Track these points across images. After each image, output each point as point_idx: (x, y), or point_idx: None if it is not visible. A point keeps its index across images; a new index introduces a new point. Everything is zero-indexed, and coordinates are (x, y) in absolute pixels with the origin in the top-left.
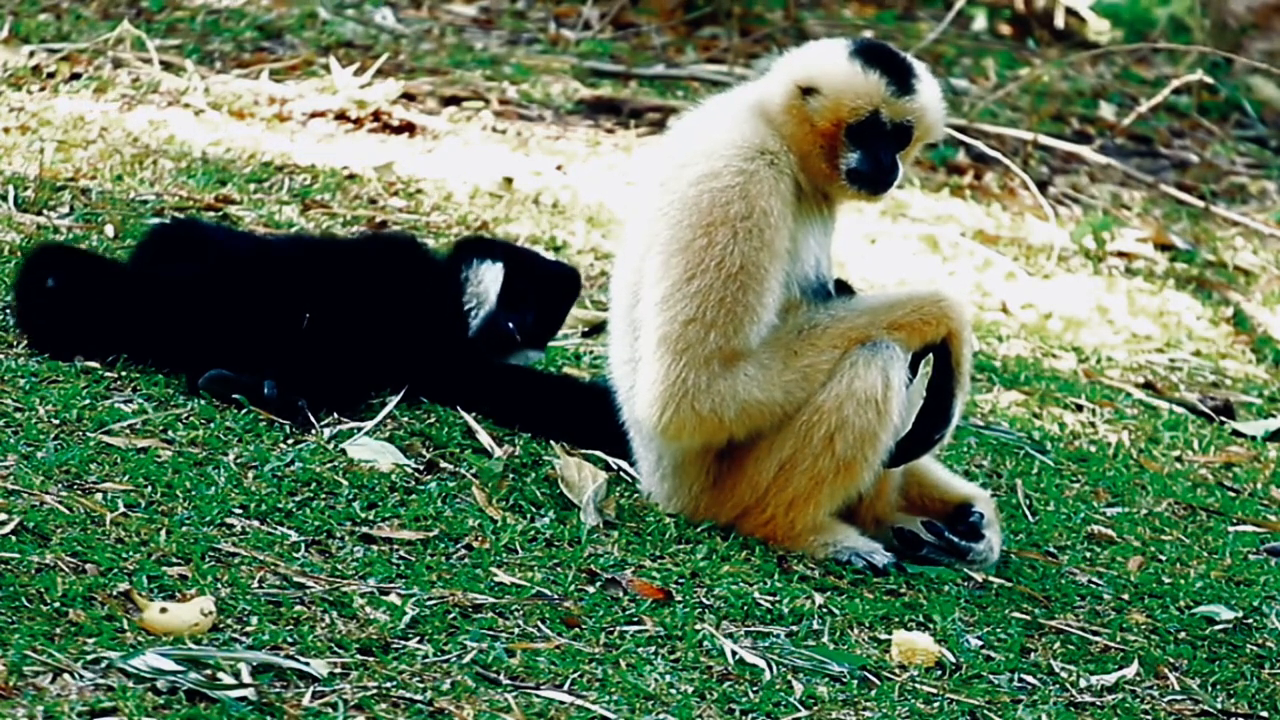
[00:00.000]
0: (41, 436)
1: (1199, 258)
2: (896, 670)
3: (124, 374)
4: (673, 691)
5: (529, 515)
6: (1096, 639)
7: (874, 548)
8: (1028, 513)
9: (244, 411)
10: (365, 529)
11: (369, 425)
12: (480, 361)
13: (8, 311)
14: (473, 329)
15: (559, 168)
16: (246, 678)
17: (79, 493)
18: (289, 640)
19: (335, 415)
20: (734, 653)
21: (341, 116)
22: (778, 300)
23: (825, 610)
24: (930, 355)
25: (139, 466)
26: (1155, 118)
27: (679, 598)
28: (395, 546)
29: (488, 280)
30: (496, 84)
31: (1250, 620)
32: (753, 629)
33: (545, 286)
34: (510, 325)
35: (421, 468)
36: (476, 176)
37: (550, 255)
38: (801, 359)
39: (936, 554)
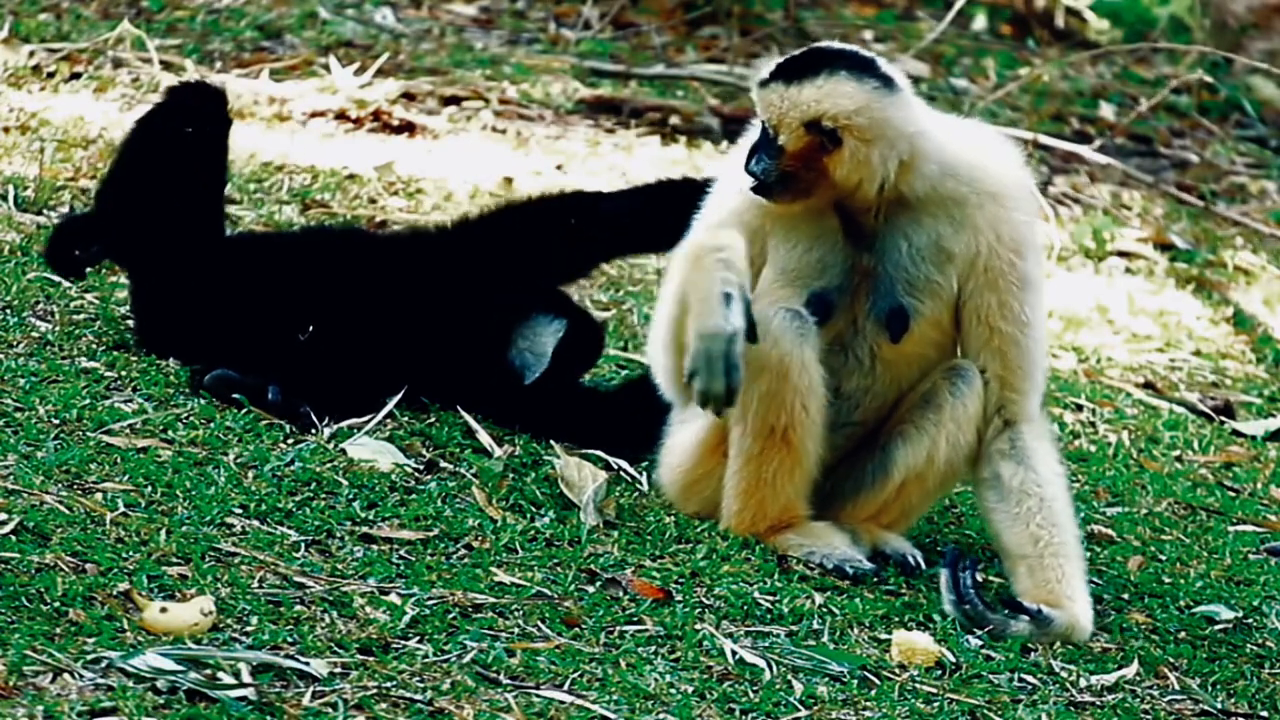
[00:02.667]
0: (41, 436)
1: (1199, 258)
2: (896, 670)
3: (124, 374)
4: (673, 691)
5: (529, 515)
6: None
7: (850, 556)
8: None
9: (244, 411)
10: (365, 529)
11: (369, 425)
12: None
13: (8, 311)
14: (528, 379)
15: (559, 167)
16: (246, 678)
17: (79, 493)
18: (289, 640)
19: (334, 413)
20: (734, 653)
21: (341, 116)
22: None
23: (825, 610)
24: None
25: (139, 466)
26: (1155, 118)
27: (679, 598)
28: (395, 546)
29: (547, 338)
30: (496, 84)
31: (1250, 620)
32: (753, 629)
33: (590, 344)
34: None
35: (421, 468)
36: (476, 176)
37: None
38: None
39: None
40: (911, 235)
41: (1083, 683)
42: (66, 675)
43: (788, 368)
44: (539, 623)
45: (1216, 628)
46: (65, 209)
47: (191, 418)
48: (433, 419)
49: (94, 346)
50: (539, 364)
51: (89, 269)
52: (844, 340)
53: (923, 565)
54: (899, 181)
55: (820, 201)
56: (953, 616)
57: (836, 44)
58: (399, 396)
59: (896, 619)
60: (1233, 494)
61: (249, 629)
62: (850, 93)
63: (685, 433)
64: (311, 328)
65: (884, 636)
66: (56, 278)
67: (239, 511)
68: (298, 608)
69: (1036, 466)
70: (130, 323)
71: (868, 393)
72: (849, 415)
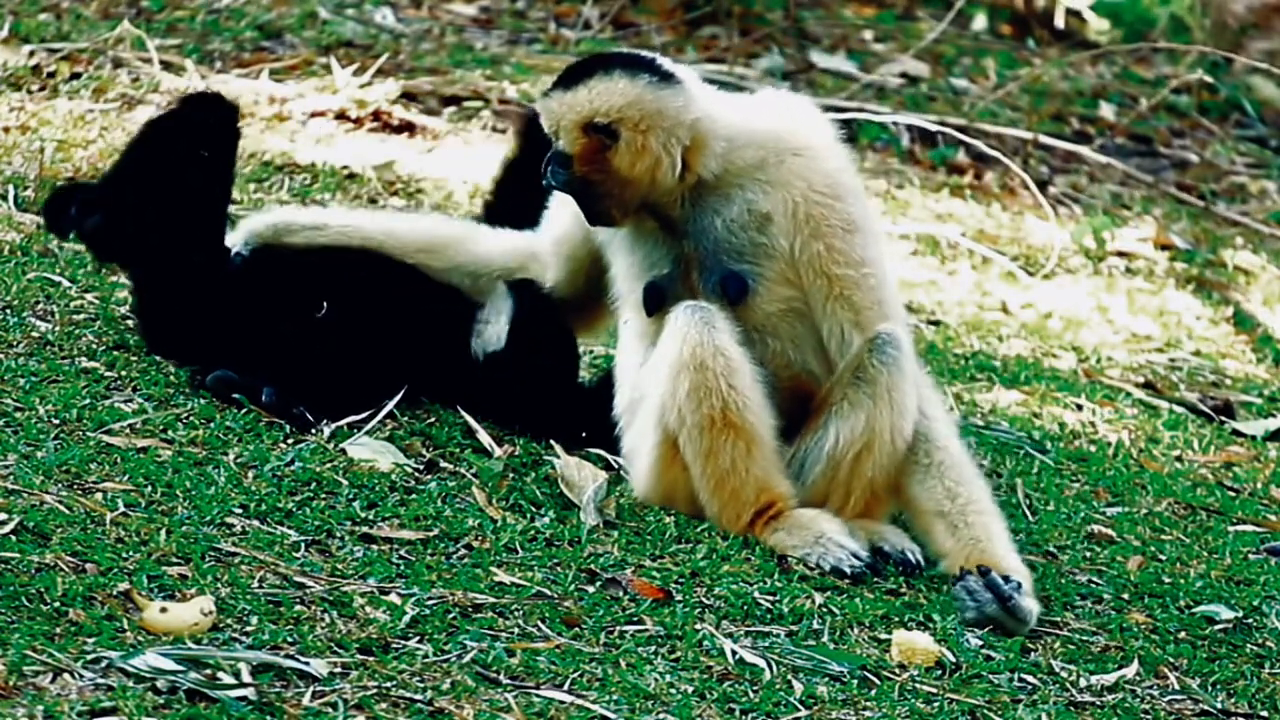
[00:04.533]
0: (41, 436)
1: (1199, 258)
2: (896, 670)
3: (124, 374)
4: (673, 691)
5: (529, 515)
6: (1096, 639)
7: (844, 552)
8: (1028, 513)
9: (244, 411)
10: (365, 529)
11: (369, 425)
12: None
13: (8, 311)
14: (488, 349)
15: None
16: (246, 678)
17: (79, 493)
18: (289, 640)
19: (329, 412)
20: (734, 653)
21: (341, 116)
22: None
23: (825, 610)
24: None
25: (139, 466)
26: (1155, 118)
27: (679, 598)
28: (395, 546)
29: (503, 312)
30: (496, 84)
31: (1250, 620)
32: (753, 629)
33: (548, 313)
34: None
35: (421, 468)
36: (476, 176)
37: None
38: None
39: (972, 595)
40: (722, 210)
41: (1083, 683)
42: (66, 675)
43: (701, 358)
44: (539, 623)
45: (1216, 628)
46: None
47: (191, 418)
48: (433, 419)
49: (94, 346)
50: (498, 340)
51: (75, 235)
52: None
53: (923, 563)
54: (691, 165)
55: (631, 205)
56: (987, 616)
57: (617, 49)
58: (399, 396)
59: (896, 619)
60: (1233, 494)
61: (249, 629)
62: (621, 89)
63: (640, 459)
64: (326, 306)
65: (884, 636)
66: (57, 277)
67: (239, 511)
68: (298, 608)
69: (926, 409)
70: (130, 322)
71: (766, 361)
72: (765, 382)
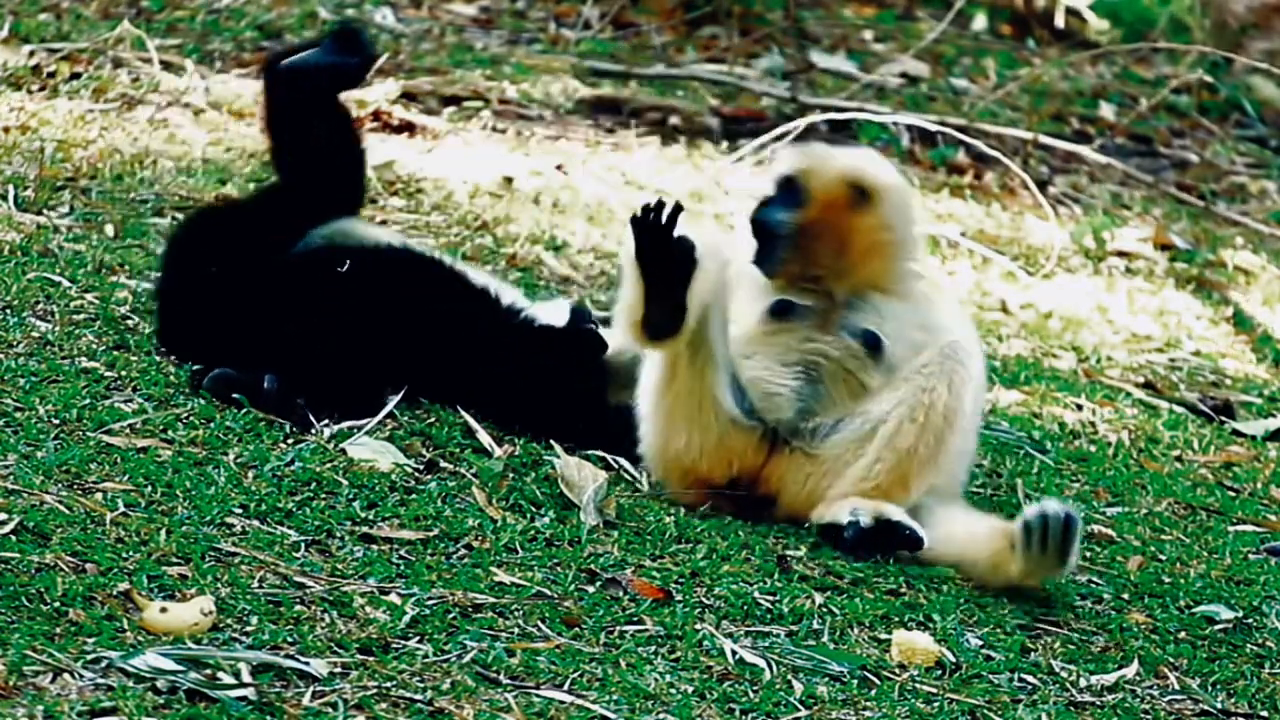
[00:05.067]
0: (41, 436)
1: (1199, 258)
2: (896, 670)
3: (124, 374)
4: (673, 691)
5: (529, 515)
6: (1096, 639)
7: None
8: None
9: (244, 411)
10: (365, 529)
11: (369, 425)
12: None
13: (8, 311)
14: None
15: (559, 167)
16: (246, 677)
17: (79, 493)
18: (289, 640)
19: (336, 414)
20: (734, 653)
21: None
22: None
23: (825, 610)
24: None
25: (139, 466)
26: (1155, 117)
27: (679, 598)
28: (395, 546)
29: (564, 311)
30: (496, 84)
31: (1250, 620)
32: (753, 629)
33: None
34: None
35: (421, 468)
36: (476, 176)
37: (550, 255)
38: None
39: (1043, 509)
40: (882, 308)
41: (1083, 683)
42: (66, 675)
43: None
44: (539, 623)
45: (1216, 628)
46: (65, 209)
47: (191, 418)
48: (433, 419)
49: (94, 346)
50: (555, 315)
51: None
52: (823, 352)
53: (927, 542)
54: (887, 271)
55: (814, 270)
56: (1046, 520)
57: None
58: (399, 397)
59: (896, 619)
60: (1233, 494)
61: (249, 629)
62: (893, 174)
63: (643, 427)
64: (348, 263)
65: (884, 636)
66: (57, 277)
67: (239, 511)
68: (298, 608)
69: None
70: (130, 322)
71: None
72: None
